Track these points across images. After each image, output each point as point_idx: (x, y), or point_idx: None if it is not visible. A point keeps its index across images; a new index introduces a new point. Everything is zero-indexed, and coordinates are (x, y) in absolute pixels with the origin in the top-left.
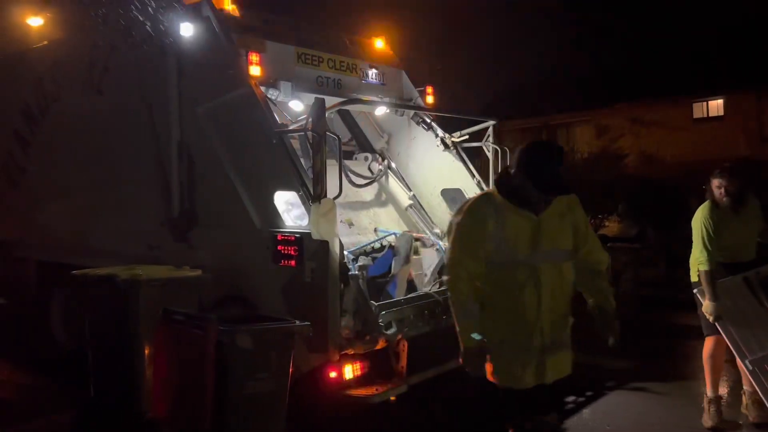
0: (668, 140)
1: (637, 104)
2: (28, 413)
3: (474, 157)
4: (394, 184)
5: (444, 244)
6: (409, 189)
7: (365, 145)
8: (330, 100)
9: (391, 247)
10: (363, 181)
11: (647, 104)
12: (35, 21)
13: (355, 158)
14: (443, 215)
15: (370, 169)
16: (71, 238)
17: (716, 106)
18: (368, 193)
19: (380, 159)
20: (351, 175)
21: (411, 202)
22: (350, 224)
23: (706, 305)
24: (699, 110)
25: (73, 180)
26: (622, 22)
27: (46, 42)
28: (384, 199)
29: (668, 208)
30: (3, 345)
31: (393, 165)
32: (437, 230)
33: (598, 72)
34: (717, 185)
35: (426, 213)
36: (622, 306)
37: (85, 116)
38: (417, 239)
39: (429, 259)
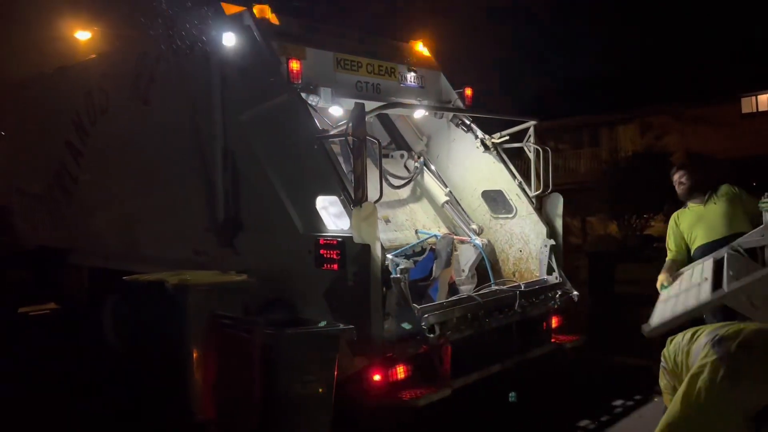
0: (716, 137)
1: (682, 101)
2: (81, 415)
3: (515, 158)
4: (430, 181)
5: (480, 240)
6: (445, 185)
7: (404, 148)
8: (369, 105)
9: (431, 249)
10: (401, 182)
11: (693, 100)
12: (83, 35)
13: (391, 156)
14: (483, 217)
15: (406, 166)
16: (121, 245)
17: (766, 100)
18: (404, 191)
19: (416, 156)
20: (389, 177)
21: (447, 198)
22: (387, 221)
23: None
24: (747, 105)
25: (122, 188)
26: (665, 18)
27: (94, 55)
28: (420, 195)
29: None
30: (56, 349)
31: (429, 163)
32: (474, 226)
33: (640, 69)
34: (675, 181)
35: (462, 209)
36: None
37: (133, 126)
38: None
39: (466, 256)
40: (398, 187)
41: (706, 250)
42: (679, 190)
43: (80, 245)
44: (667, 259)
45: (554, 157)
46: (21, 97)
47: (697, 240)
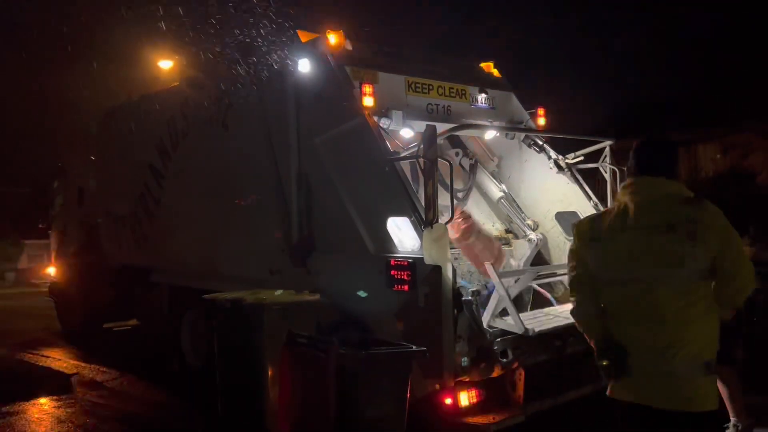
0: None
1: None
2: (160, 430)
3: (589, 179)
4: (484, 178)
5: (535, 235)
6: (500, 182)
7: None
8: (440, 127)
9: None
10: (462, 192)
11: None
12: (165, 63)
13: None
14: (557, 238)
15: (461, 164)
16: (200, 264)
17: None
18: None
19: (471, 154)
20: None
21: (501, 194)
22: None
23: None
24: None
25: (201, 209)
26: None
27: (176, 83)
28: (475, 192)
29: None
30: (138, 364)
31: (482, 163)
32: (529, 221)
33: (725, 86)
34: None
35: (517, 204)
36: (758, 338)
37: (212, 149)
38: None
39: (521, 251)
40: (461, 200)
41: None
42: None
43: (161, 264)
44: None
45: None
46: (109, 125)
47: None
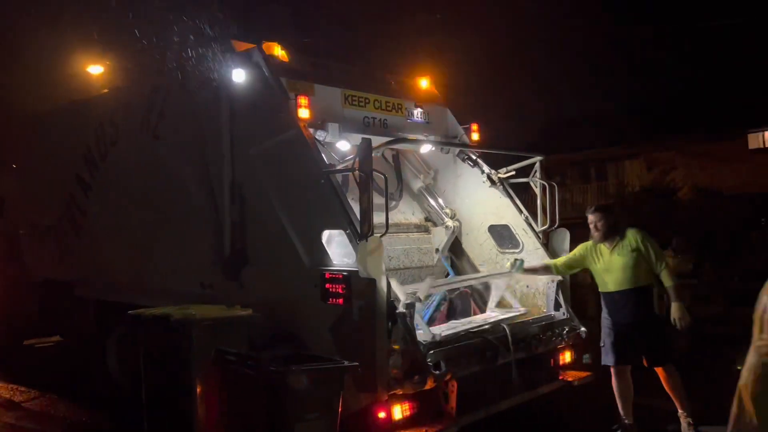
0: (723, 172)
1: (689, 136)
2: None
3: (522, 193)
4: (405, 171)
5: (452, 222)
6: (419, 173)
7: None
8: (377, 140)
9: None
10: (397, 192)
11: (699, 135)
12: (96, 69)
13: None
14: (490, 251)
15: (383, 156)
16: (128, 277)
17: None
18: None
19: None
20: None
21: (421, 185)
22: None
23: None
24: (755, 141)
25: (131, 221)
26: (673, 54)
27: (105, 90)
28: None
29: (725, 241)
30: (61, 383)
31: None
32: (447, 210)
33: (648, 105)
34: (590, 222)
35: (435, 195)
36: (678, 343)
37: (142, 159)
38: (428, 220)
39: (439, 237)
40: (397, 200)
41: (616, 298)
42: (594, 233)
43: (88, 277)
44: (555, 260)
45: (562, 192)
46: (34, 132)
47: (608, 286)
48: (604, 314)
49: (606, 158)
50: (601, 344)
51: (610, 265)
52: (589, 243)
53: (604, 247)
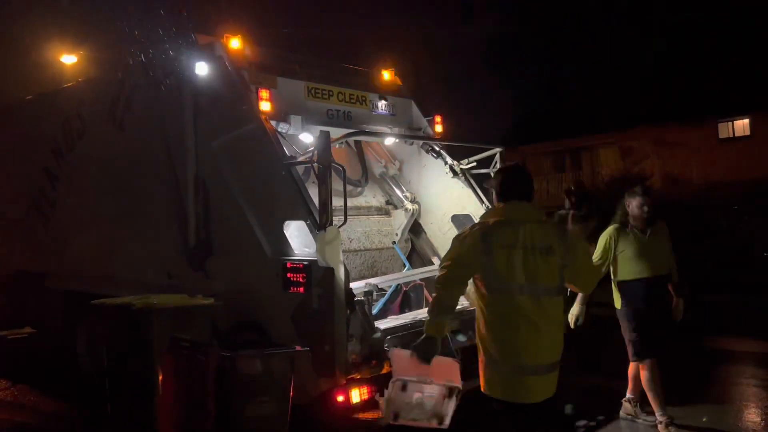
0: (693, 161)
1: (660, 125)
2: None
3: (485, 183)
4: (368, 157)
5: (411, 205)
6: (381, 158)
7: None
8: (340, 132)
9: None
10: (357, 189)
11: (671, 125)
12: (69, 59)
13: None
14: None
15: (347, 142)
16: (96, 268)
17: (742, 125)
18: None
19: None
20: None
21: (383, 170)
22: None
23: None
24: (724, 130)
25: (98, 213)
26: (645, 42)
27: (72, 82)
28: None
29: (695, 229)
30: (32, 373)
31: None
32: (407, 194)
33: (621, 93)
34: (640, 206)
35: (396, 179)
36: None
37: (108, 151)
38: (389, 203)
39: (399, 220)
40: (363, 186)
41: (652, 282)
42: (644, 215)
43: (57, 269)
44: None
45: (536, 181)
46: (2, 124)
47: (643, 272)
48: (627, 306)
49: (581, 147)
50: (631, 339)
51: (648, 250)
52: (613, 229)
53: (637, 232)
